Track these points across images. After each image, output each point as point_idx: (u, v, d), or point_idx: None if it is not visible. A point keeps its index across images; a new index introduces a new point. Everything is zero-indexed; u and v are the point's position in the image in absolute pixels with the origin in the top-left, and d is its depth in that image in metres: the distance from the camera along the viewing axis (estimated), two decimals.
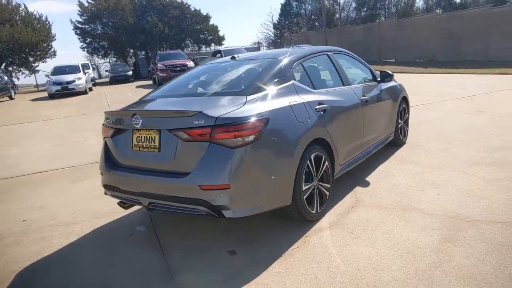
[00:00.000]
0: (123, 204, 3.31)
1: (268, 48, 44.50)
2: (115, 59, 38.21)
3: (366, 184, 4.04)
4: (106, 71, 35.16)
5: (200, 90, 3.48)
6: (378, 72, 4.96)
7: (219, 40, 39.44)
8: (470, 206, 3.28)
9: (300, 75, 3.48)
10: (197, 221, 3.51)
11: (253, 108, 2.78)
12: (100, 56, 38.30)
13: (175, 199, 2.75)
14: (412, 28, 21.77)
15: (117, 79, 25.53)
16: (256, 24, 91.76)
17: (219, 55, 22.21)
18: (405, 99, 5.43)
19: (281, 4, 46.17)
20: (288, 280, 2.47)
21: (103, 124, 3.32)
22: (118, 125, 3.12)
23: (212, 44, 39.40)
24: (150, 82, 23.07)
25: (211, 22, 38.61)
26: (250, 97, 2.89)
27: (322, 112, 3.30)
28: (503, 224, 2.91)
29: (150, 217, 3.74)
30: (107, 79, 31.44)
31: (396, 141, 5.21)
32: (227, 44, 40.79)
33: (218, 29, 38.81)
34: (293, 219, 3.18)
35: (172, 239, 3.23)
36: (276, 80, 3.18)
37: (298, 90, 3.26)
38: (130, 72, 26.50)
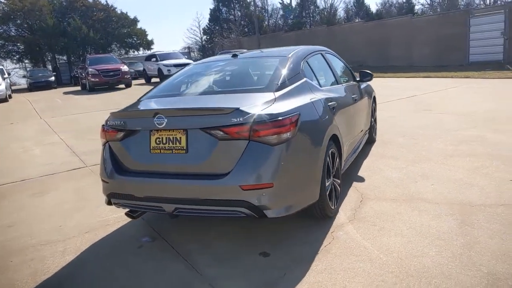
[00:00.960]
0: (132, 214, 3.04)
1: (199, 53, 44.10)
2: (31, 64, 35.02)
3: (361, 179, 4.18)
4: (24, 76, 32.06)
5: (216, 88, 3.32)
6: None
7: (148, 44, 38.21)
8: (466, 193, 3.56)
9: (307, 73, 3.50)
10: (209, 225, 3.34)
11: (285, 104, 2.73)
12: (14, 61, 34.80)
13: (210, 202, 2.58)
14: (342, 35, 23.12)
15: (37, 85, 23.44)
16: (184, 29, 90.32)
17: (154, 59, 21.51)
18: (374, 98, 5.74)
19: (210, 9, 46.17)
20: (338, 276, 2.45)
21: (105, 126, 3.01)
22: (130, 127, 2.85)
23: (141, 49, 38.03)
24: (77, 88, 21.57)
25: (139, 26, 37.28)
26: (277, 94, 2.84)
27: (333, 109, 3.36)
28: (504, 206, 3.20)
29: (151, 226, 3.47)
30: (21, 86, 28.64)
31: (370, 138, 5.47)
32: (156, 49, 39.57)
33: (147, 33, 37.62)
34: (311, 217, 3.16)
35: (191, 246, 3.02)
36: (292, 77, 3.16)
37: (311, 88, 3.27)
38: (53, 78, 24.54)
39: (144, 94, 3.49)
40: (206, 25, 46.60)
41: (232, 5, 45.75)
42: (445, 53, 17.81)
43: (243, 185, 2.49)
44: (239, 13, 44.79)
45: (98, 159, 3.53)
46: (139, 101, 3.35)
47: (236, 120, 2.51)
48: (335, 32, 23.91)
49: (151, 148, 2.77)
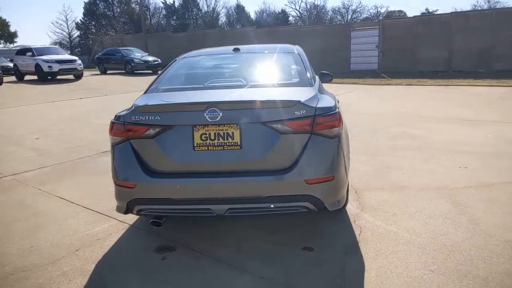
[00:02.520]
0: (159, 220, 2.69)
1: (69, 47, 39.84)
2: None
3: None
4: None
5: (247, 81, 3.10)
6: None
7: (11, 37, 33.09)
8: (437, 178, 4.11)
9: None
10: (220, 226, 3.16)
11: (327, 99, 2.78)
12: None
13: (272, 199, 2.47)
14: (234, 39, 23.65)
15: None
16: (48, 22, 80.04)
17: (30, 53, 18.77)
18: None
19: (85, 2, 42.23)
20: (393, 259, 2.61)
21: (124, 122, 2.60)
22: (168, 122, 2.52)
23: (1, 41, 32.69)
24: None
25: None
26: (315, 89, 2.86)
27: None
28: (473, 188, 3.81)
29: (155, 235, 3.11)
30: None
31: None
32: (20, 43, 34.29)
33: (9, 24, 32.49)
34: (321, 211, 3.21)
35: (222, 251, 2.82)
36: (313, 73, 3.22)
37: (320, 83, 3.38)
38: None
39: (148, 88, 3.10)
40: (80, 20, 42.48)
41: (110, 0, 42.69)
42: (331, 62, 19.78)
43: (308, 179, 2.46)
44: (118, 10, 42.07)
45: None
46: (153, 95, 2.96)
47: (299, 113, 2.46)
48: (227, 36, 24.38)
49: (195, 145, 2.50)
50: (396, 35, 17.33)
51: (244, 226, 3.18)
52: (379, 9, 64.14)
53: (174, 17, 46.25)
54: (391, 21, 19.74)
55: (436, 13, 29.89)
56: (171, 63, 3.49)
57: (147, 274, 2.59)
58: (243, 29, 26.20)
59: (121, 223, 3.38)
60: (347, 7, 66.05)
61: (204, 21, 48.24)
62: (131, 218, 3.45)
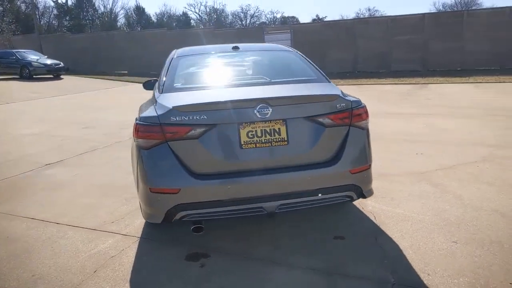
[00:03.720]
0: (201, 226, 2.55)
1: None
2: None
3: None
4: None
5: (270, 78, 3.02)
6: None
7: None
8: (406, 165, 4.56)
9: None
10: (241, 227, 3.11)
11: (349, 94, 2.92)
12: None
13: (320, 191, 2.52)
14: (144, 42, 22.71)
15: None
16: None
17: None
18: None
19: None
20: (418, 236, 2.87)
21: (161, 123, 2.40)
22: (213, 121, 2.39)
23: None
24: None
25: None
26: (333, 84, 2.97)
27: None
28: (440, 170, 4.33)
29: (174, 241, 2.92)
30: None
31: None
32: None
33: None
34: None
35: (259, 251, 2.77)
36: (318, 68, 3.34)
37: None
38: None
39: (162, 87, 2.88)
40: None
41: None
42: None
43: (352, 169, 2.57)
44: (1, 8, 37.05)
45: None
46: (180, 93, 2.76)
47: (340, 106, 2.56)
48: (135, 38, 23.24)
49: (243, 143, 2.43)
50: (307, 39, 18.45)
51: (265, 225, 3.16)
52: (275, 14, 67.65)
53: (67, 18, 42.40)
54: (301, 26, 20.96)
55: (341, 19, 32.67)
56: (170, 62, 3.28)
57: (196, 283, 2.43)
58: (152, 31, 25.23)
59: (126, 237, 3.09)
60: (245, 11, 68.36)
61: (102, 22, 45.20)
62: (135, 231, 3.18)
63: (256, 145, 2.45)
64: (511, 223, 3.02)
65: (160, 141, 2.42)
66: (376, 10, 61.12)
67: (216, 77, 3.23)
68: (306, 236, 2.98)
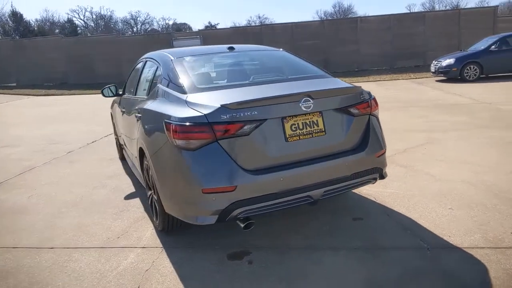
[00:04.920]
0: (252, 221, 2.55)
1: None
2: None
3: None
4: None
5: (286, 75, 3.09)
6: None
7: None
8: None
9: None
10: (261, 220, 3.18)
11: None
12: None
13: (354, 176, 2.73)
14: (35, 50, 20.46)
15: None
16: None
17: None
18: None
19: None
20: (422, 207, 3.28)
21: (220, 122, 2.37)
22: (262, 116, 2.42)
23: None
24: None
25: None
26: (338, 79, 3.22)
27: None
28: (404, 151, 4.92)
29: (203, 244, 2.87)
30: None
31: None
32: None
33: None
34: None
35: (296, 241, 2.88)
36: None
37: None
38: None
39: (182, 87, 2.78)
40: None
41: None
42: None
43: (377, 154, 2.84)
44: None
45: None
46: (217, 92, 2.74)
47: (363, 97, 2.82)
48: (25, 46, 20.79)
49: (288, 136, 2.51)
50: (215, 44, 18.70)
51: (286, 220, 3.24)
52: (167, 21, 66.63)
53: None
54: (212, 32, 21.11)
55: (275, 22, 33.65)
56: (172, 64, 3.16)
57: (257, 279, 2.43)
58: (45, 39, 22.80)
59: (148, 249, 2.90)
60: (135, 18, 65.93)
61: None
62: (151, 242, 3.02)
63: (299, 137, 2.56)
64: (479, 188, 3.63)
65: (210, 140, 2.37)
66: (266, 18, 64.52)
67: (233, 75, 3.23)
68: (328, 222, 3.16)
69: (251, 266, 2.59)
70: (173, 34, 20.17)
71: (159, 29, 64.16)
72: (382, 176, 2.98)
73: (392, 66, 17.30)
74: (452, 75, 12.21)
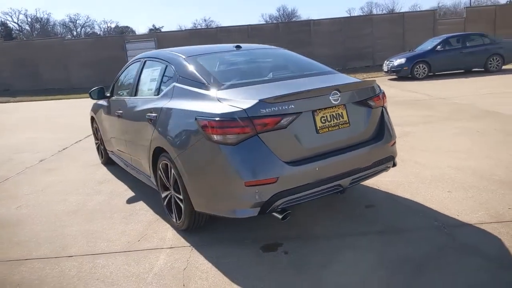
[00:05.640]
0: (289, 211, 2.63)
1: None
2: None
3: None
4: None
5: (302, 71, 3.20)
6: None
7: None
8: None
9: None
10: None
11: None
12: None
13: (374, 164, 2.91)
14: None
15: None
16: None
17: None
18: None
19: None
20: (426, 191, 3.55)
21: (260, 116, 2.43)
22: (297, 110, 2.51)
23: None
24: None
25: None
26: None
27: None
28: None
29: (230, 239, 2.91)
30: None
31: None
32: None
33: None
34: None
35: (322, 229, 3.00)
36: None
37: None
38: None
39: (207, 83, 2.80)
40: None
41: None
42: (107, 74, 18.84)
43: (391, 143, 3.05)
44: None
45: None
46: (250, 88, 2.79)
47: (377, 90, 3.02)
48: None
49: (319, 128, 2.63)
50: (171, 47, 18.41)
51: (304, 211, 3.35)
52: (108, 24, 64.35)
53: None
54: (167, 34, 20.65)
55: (221, 25, 33.36)
56: (185, 62, 3.15)
57: (298, 268, 2.51)
58: None
59: (176, 249, 2.88)
60: (74, 21, 62.92)
61: None
62: (177, 242, 3.00)
63: (328, 129, 2.68)
64: (466, 172, 3.99)
65: (251, 134, 2.42)
66: (212, 21, 64.59)
67: (252, 72, 3.28)
68: (342, 211, 3.32)
69: (288, 256, 2.67)
70: (126, 37, 19.55)
71: (100, 32, 61.71)
72: (394, 164, 3.20)
73: (344, 67, 18.11)
74: (403, 74, 13.08)
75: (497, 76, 12.14)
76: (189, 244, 2.93)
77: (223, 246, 2.87)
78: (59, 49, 19.01)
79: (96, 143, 5.61)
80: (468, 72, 13.49)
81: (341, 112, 2.77)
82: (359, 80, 3.01)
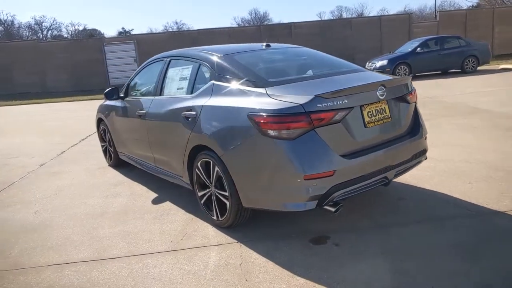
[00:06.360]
0: (342, 204, 2.69)
1: None
2: None
3: None
4: None
5: (338, 68, 3.30)
6: None
7: None
8: None
9: None
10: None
11: None
12: None
13: (413, 157, 3.02)
14: None
15: None
16: None
17: None
18: None
19: None
20: (452, 181, 3.71)
21: (317, 111, 2.48)
22: (350, 104, 2.60)
23: None
24: None
25: None
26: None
27: None
28: None
29: (274, 234, 2.95)
30: None
31: None
32: None
33: None
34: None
35: (362, 222, 3.09)
36: None
37: None
38: None
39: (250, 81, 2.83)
40: None
41: None
42: (86, 77, 18.37)
43: (424, 137, 3.18)
44: None
45: None
46: (298, 84, 2.86)
47: (411, 87, 3.14)
48: None
49: (366, 122, 2.71)
50: (152, 50, 18.12)
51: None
52: (76, 27, 62.64)
53: None
54: (145, 36, 20.30)
55: (184, 29, 32.89)
56: (224, 60, 3.17)
57: (353, 258, 2.58)
58: None
59: (224, 246, 2.89)
60: (40, 23, 60.85)
61: None
62: (222, 239, 3.00)
63: (374, 123, 2.78)
64: (479, 165, 4.19)
65: (308, 129, 2.47)
66: (184, 24, 64.14)
67: (293, 70, 3.34)
68: (377, 204, 3.41)
69: (340, 247, 2.73)
70: (104, 39, 19.10)
71: (68, 35, 59.93)
72: (426, 157, 3.33)
73: None
74: None
75: (475, 76, 12.74)
76: (235, 240, 2.94)
77: (270, 241, 2.89)
78: (33, 52, 18.33)
79: (103, 146, 5.48)
80: (446, 73, 14.09)
81: (384, 107, 2.87)
82: (398, 77, 3.12)
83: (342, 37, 19.26)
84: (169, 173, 3.73)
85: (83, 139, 7.58)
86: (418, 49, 13.64)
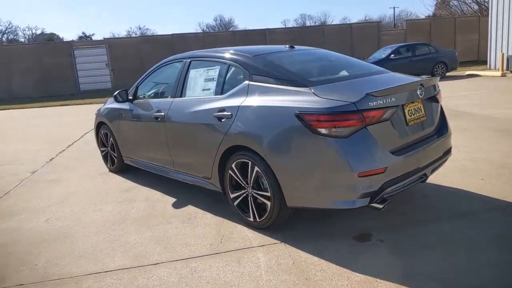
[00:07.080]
0: (386, 202, 2.74)
1: None
2: None
3: None
4: None
5: (369, 69, 3.37)
6: None
7: None
8: None
9: None
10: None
11: None
12: None
13: (444, 154, 3.15)
14: None
15: None
16: None
17: None
18: None
19: None
20: (465, 179, 3.88)
21: (369, 109, 2.54)
22: (396, 103, 2.67)
23: None
24: None
25: None
26: None
27: None
28: None
29: (314, 234, 2.97)
30: None
31: None
32: None
33: None
34: None
35: (395, 219, 3.17)
36: None
37: None
38: None
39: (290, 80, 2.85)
40: None
41: None
42: (54, 82, 17.57)
43: (450, 135, 3.32)
44: None
45: None
46: (330, 85, 2.87)
47: (438, 88, 3.28)
48: None
49: (408, 120, 2.80)
50: (124, 54, 17.73)
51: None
52: (33, 31, 59.99)
53: None
54: (117, 40, 19.71)
55: (157, 33, 32.27)
56: (257, 60, 3.16)
57: (405, 253, 2.63)
58: None
59: (269, 246, 2.86)
60: None
61: None
62: (262, 240, 2.96)
63: (414, 121, 2.87)
64: (484, 163, 4.41)
65: (360, 127, 2.51)
66: (147, 29, 63.28)
67: (326, 70, 3.38)
68: (405, 202, 3.48)
69: (385, 243, 2.78)
70: (74, 43, 18.38)
71: (25, 40, 57.26)
72: (450, 154, 3.47)
73: None
74: None
75: (446, 82, 13.40)
76: (278, 241, 2.91)
77: (314, 240, 2.89)
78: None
79: (103, 151, 5.27)
80: None
81: (420, 106, 2.97)
82: (433, 77, 3.25)
83: (315, 43, 19.56)
84: (191, 176, 3.65)
85: (70, 145, 7.26)
86: (392, 55, 14.20)
